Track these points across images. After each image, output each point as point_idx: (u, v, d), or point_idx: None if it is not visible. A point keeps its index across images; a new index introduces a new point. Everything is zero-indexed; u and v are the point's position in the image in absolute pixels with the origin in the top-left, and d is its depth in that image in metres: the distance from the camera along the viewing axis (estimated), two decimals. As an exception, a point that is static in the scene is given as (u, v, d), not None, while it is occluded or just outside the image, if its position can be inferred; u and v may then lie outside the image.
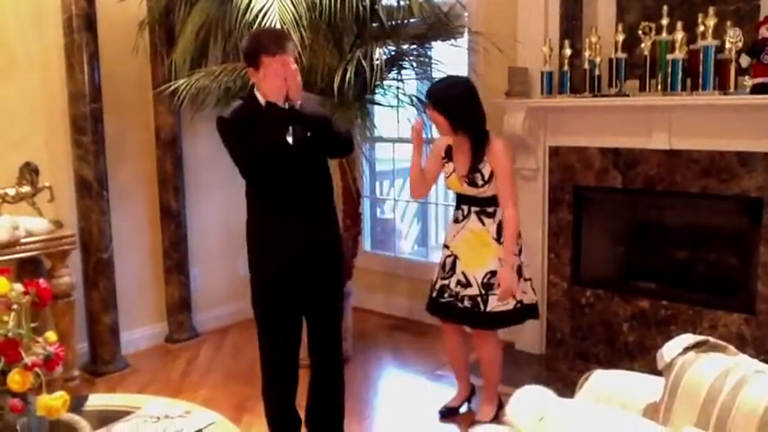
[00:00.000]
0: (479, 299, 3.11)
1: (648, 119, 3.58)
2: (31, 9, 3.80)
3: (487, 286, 3.10)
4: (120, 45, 4.07)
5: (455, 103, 3.06)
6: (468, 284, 3.14)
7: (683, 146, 3.52)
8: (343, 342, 4.08)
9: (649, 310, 3.72)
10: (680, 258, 3.85)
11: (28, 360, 1.58)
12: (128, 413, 2.10)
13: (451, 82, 3.25)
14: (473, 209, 3.16)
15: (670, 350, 1.60)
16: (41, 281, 1.73)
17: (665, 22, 3.47)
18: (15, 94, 3.77)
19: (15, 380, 1.55)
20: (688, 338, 1.62)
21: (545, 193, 4.04)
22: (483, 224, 3.14)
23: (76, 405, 1.99)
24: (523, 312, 3.19)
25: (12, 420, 1.58)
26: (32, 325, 1.67)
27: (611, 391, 1.82)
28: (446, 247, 3.27)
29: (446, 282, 3.22)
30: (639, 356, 3.74)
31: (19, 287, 1.68)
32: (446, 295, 3.22)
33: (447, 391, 3.53)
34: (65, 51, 3.82)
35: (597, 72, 3.68)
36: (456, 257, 3.20)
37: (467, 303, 3.13)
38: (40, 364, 1.61)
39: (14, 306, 1.67)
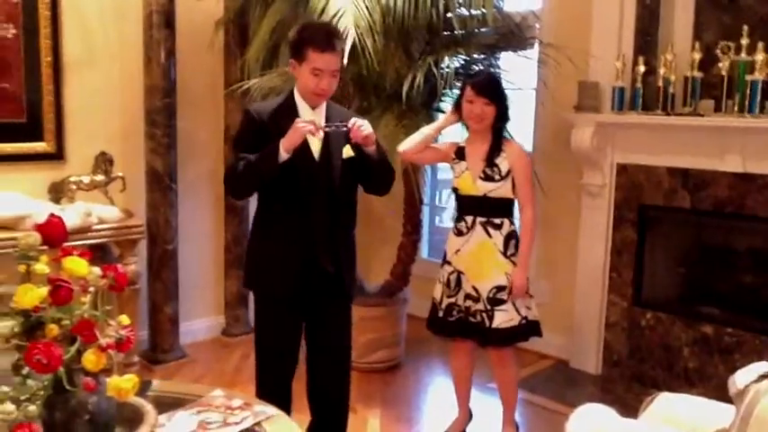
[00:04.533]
0: (485, 314, 3.01)
1: (722, 140, 3.49)
2: (112, 2, 3.94)
3: (493, 301, 2.99)
4: (196, 42, 4.18)
5: (504, 94, 3.05)
6: (478, 299, 3.02)
7: (757, 169, 3.42)
8: (395, 348, 4.15)
9: (712, 336, 3.62)
10: (746, 284, 3.73)
11: (102, 341, 1.62)
12: (190, 401, 2.15)
13: (494, 74, 3.28)
14: (479, 219, 3.02)
15: (743, 377, 1.56)
16: (119, 266, 1.78)
17: (744, 41, 3.39)
18: (95, 86, 3.91)
19: (90, 359, 1.60)
20: (763, 366, 1.57)
21: (610, 211, 3.97)
22: (489, 236, 3.01)
23: (142, 389, 2.03)
24: (528, 328, 3.07)
25: (84, 398, 1.62)
26: (107, 308, 1.72)
27: (677, 414, 1.78)
28: (448, 263, 3.13)
29: (453, 299, 3.10)
30: (699, 383, 3.64)
31: (97, 270, 1.73)
32: (455, 313, 3.10)
33: (496, 405, 3.48)
34: (143, 46, 3.94)
35: (671, 90, 3.62)
36: (461, 273, 3.08)
37: (478, 318, 3.03)
38: (113, 346, 1.66)
39: (91, 289, 1.72)
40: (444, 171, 5.36)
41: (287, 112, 2.49)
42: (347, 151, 2.50)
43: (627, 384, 3.89)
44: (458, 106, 3.09)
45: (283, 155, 2.39)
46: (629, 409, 1.98)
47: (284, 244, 2.53)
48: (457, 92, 3.87)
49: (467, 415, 3.39)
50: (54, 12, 3.68)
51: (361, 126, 2.46)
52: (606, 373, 4.03)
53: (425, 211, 5.03)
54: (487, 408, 3.55)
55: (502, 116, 3.03)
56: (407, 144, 3.14)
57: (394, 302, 4.17)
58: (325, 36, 2.42)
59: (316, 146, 2.50)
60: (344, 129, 2.47)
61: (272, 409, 2.12)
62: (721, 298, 3.78)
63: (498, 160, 3.00)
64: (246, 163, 2.45)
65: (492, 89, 3.01)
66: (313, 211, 2.51)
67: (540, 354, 4.27)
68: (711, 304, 3.78)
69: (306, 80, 2.47)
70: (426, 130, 3.15)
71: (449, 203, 5.56)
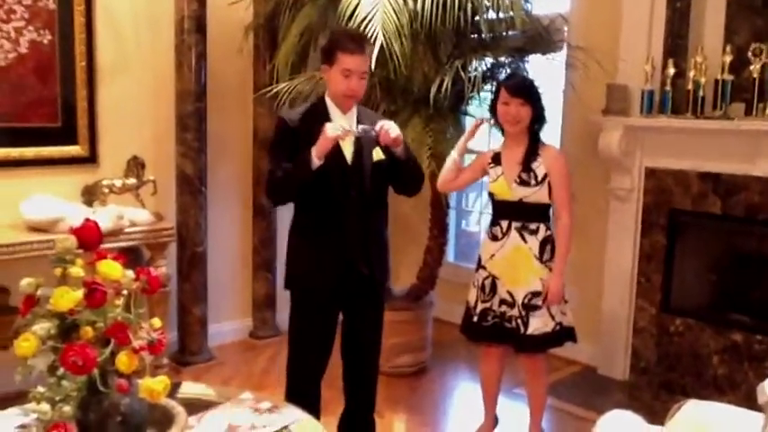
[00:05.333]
0: (520, 320, 3.00)
1: (754, 144, 3.45)
2: (145, 9, 4.00)
3: (528, 307, 2.98)
4: (226, 47, 4.23)
5: (539, 95, 3.04)
6: (513, 304, 3.02)
7: (791, 175, 3.37)
8: (421, 351, 4.15)
9: (742, 343, 3.57)
10: (779, 292, 3.69)
11: (136, 344, 1.66)
12: (218, 403, 2.18)
13: (527, 76, 3.31)
14: (514, 224, 3.01)
15: (773, 386, 1.55)
16: (151, 269, 1.81)
17: (777, 44, 3.35)
18: (128, 90, 3.97)
19: (123, 361, 1.63)
20: (794, 375, 1.55)
21: (638, 215, 3.94)
22: (525, 241, 3.00)
23: (172, 391, 2.06)
24: (562, 334, 3.06)
25: (117, 399, 1.66)
26: (140, 311, 1.76)
27: (705, 422, 1.77)
28: (483, 267, 3.11)
29: (488, 304, 3.08)
30: (729, 391, 3.59)
31: (130, 273, 1.77)
32: (489, 318, 3.08)
33: (522, 410, 3.47)
34: (175, 51, 4.00)
35: (701, 93, 3.58)
36: (495, 278, 3.06)
37: (513, 323, 3.02)
38: (146, 349, 1.69)
39: (124, 291, 1.76)
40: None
41: (319, 117, 2.57)
42: (377, 154, 2.60)
43: (655, 391, 3.86)
44: (492, 111, 3.09)
45: (316, 161, 2.46)
46: (657, 416, 1.96)
47: (320, 246, 2.62)
48: (485, 95, 3.90)
49: (493, 420, 3.38)
50: (89, 18, 3.75)
51: (389, 129, 2.53)
52: (634, 380, 3.99)
53: (452, 214, 5.03)
54: (514, 413, 3.54)
55: (537, 118, 3.03)
56: (440, 178, 3.21)
57: (420, 306, 4.17)
58: (354, 39, 2.57)
59: (348, 150, 2.59)
60: (373, 133, 2.53)
61: (299, 413, 2.14)
62: (752, 305, 3.72)
63: (534, 165, 2.99)
64: (283, 172, 2.54)
65: (526, 89, 3.01)
66: (347, 213, 2.59)
67: (567, 360, 4.24)
68: (742, 311, 3.72)
69: (337, 82, 2.56)
70: (452, 154, 3.18)
71: (475, 207, 5.56)
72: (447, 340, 4.57)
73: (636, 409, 1.86)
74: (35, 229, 3.38)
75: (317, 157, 2.46)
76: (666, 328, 3.86)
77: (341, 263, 2.61)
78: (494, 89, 3.17)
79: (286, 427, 2.04)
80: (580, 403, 3.71)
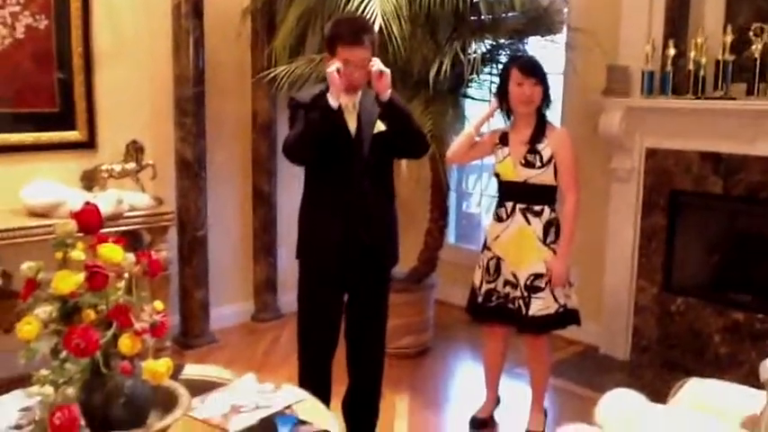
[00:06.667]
0: (522, 301, 3.01)
1: (755, 124, 3.44)
2: (142, -7, 3.97)
3: (530, 289, 2.99)
4: (223, 31, 4.20)
5: (546, 75, 3.05)
6: (516, 285, 3.03)
7: (791, 154, 3.37)
8: (423, 333, 4.17)
9: (743, 322, 3.58)
10: (780, 271, 3.69)
11: (138, 326, 1.66)
12: (221, 384, 2.19)
13: (534, 56, 3.30)
14: (519, 206, 3.02)
15: (775, 363, 1.55)
16: (152, 253, 1.81)
17: (778, 23, 3.33)
18: (125, 75, 3.95)
19: (126, 344, 1.63)
20: (795, 352, 1.56)
21: (639, 196, 3.94)
22: (529, 223, 3.00)
23: (175, 373, 2.07)
24: (566, 317, 3.07)
25: (120, 381, 1.66)
26: (142, 294, 1.76)
27: (707, 400, 1.78)
28: (488, 248, 3.13)
29: (492, 285, 3.11)
30: (730, 369, 3.60)
31: (131, 257, 1.77)
32: (494, 299, 3.11)
33: (524, 389, 3.48)
34: (172, 36, 3.98)
35: (702, 74, 3.56)
36: (500, 259, 3.08)
37: (516, 304, 3.03)
38: (148, 331, 1.70)
39: (125, 275, 1.76)
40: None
41: (326, 99, 2.59)
42: (378, 126, 2.65)
43: (656, 370, 3.87)
44: (501, 93, 3.08)
45: (334, 103, 2.50)
46: (659, 395, 1.97)
47: (326, 217, 2.68)
48: (484, 77, 3.89)
49: (495, 400, 3.41)
50: (85, 3, 3.72)
51: (378, 65, 2.53)
52: (636, 359, 4.01)
53: (452, 196, 5.03)
54: (515, 392, 3.56)
55: (546, 98, 3.03)
56: (453, 149, 3.19)
57: (422, 288, 4.18)
58: (354, 32, 2.57)
59: (352, 122, 2.65)
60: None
61: (302, 393, 2.15)
62: (753, 284, 3.73)
63: (540, 146, 2.98)
64: (301, 126, 2.58)
65: (538, 69, 3.02)
66: (351, 184, 2.64)
67: (569, 339, 4.24)
68: (743, 290, 3.74)
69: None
70: (467, 129, 3.17)
71: (476, 189, 5.55)
72: (449, 322, 4.58)
73: (638, 388, 1.86)
74: (35, 214, 3.37)
75: (333, 99, 2.50)
76: (668, 307, 3.87)
77: (345, 231, 2.65)
78: (502, 71, 3.15)
79: (289, 407, 2.05)
80: (582, 383, 3.73)
